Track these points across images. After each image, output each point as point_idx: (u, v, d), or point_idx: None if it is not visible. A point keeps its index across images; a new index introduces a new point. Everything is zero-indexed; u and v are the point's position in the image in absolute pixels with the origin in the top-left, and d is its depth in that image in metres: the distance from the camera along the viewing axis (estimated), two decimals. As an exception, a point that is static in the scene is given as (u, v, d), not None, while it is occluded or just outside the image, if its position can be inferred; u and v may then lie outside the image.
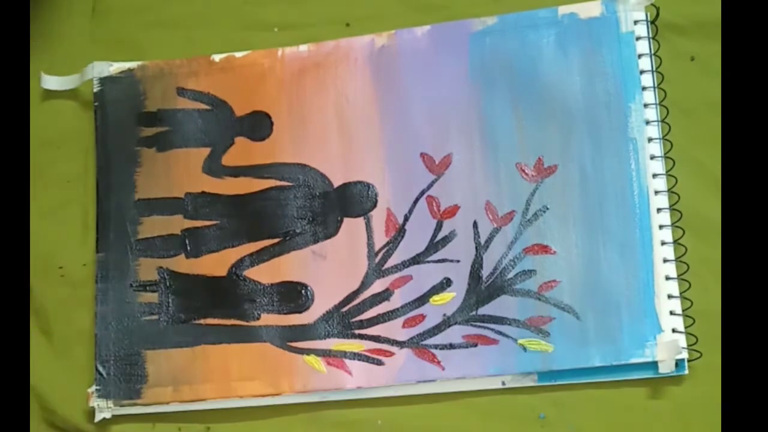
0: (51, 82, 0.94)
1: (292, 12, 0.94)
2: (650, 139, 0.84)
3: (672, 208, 0.83)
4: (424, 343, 0.84)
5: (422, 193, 0.87)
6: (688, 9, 0.87)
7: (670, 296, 0.82)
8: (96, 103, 0.93)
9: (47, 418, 0.89)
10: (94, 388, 0.87)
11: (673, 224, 0.83)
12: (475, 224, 0.86)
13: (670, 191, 0.83)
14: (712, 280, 0.82)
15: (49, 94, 0.95)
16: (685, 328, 0.81)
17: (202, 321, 0.88)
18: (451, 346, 0.84)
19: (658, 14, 0.86)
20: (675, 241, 0.83)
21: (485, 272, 0.85)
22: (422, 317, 0.85)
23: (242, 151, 0.90)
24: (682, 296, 0.82)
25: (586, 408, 0.83)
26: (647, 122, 0.84)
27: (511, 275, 0.84)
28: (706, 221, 0.83)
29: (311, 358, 0.85)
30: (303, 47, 0.91)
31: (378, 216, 0.87)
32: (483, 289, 0.84)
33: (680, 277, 0.82)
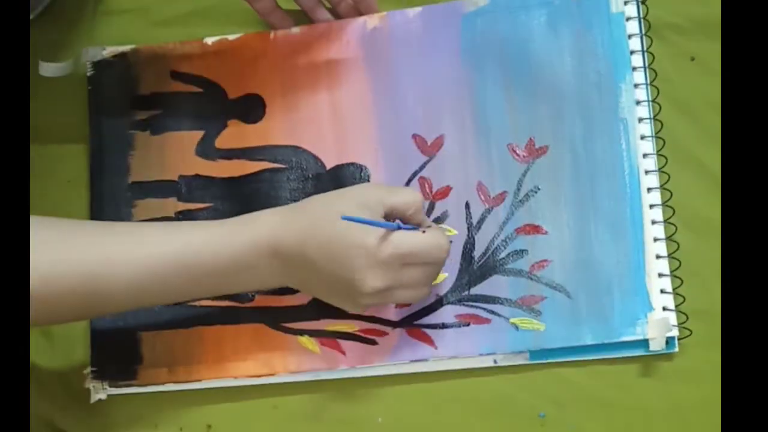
0: (48, 69, 0.94)
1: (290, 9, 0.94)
2: (641, 119, 0.85)
3: (662, 187, 0.84)
4: (417, 323, 0.85)
5: (414, 174, 0.88)
6: (688, 9, 0.88)
7: (660, 275, 0.83)
8: (89, 87, 0.94)
9: (47, 419, 0.90)
10: (89, 369, 0.88)
11: (663, 203, 0.84)
12: (467, 205, 0.86)
13: (660, 171, 0.84)
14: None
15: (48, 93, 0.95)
16: (676, 306, 0.82)
17: (196, 302, 0.88)
18: (444, 326, 0.85)
19: (648, -7, 0.87)
20: (665, 221, 0.83)
21: (477, 252, 0.86)
22: (415, 297, 0.86)
23: (235, 134, 0.91)
24: (673, 275, 0.83)
25: (585, 408, 0.84)
26: (638, 102, 0.85)
27: (503, 255, 0.85)
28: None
29: (305, 339, 0.86)
30: (295, 29, 0.92)
31: (371, 197, 0.88)
32: (475, 269, 0.85)
33: (671, 256, 0.83)
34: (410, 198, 0.77)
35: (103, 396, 0.88)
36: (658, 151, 0.85)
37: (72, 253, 0.73)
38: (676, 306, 0.82)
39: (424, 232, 0.76)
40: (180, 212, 0.90)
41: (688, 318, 0.82)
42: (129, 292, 0.75)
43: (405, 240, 0.74)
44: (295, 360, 0.86)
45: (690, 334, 0.82)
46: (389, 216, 0.77)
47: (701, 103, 0.87)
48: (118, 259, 0.74)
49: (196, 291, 0.78)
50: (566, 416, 0.84)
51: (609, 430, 0.84)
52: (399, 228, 0.74)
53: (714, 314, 0.83)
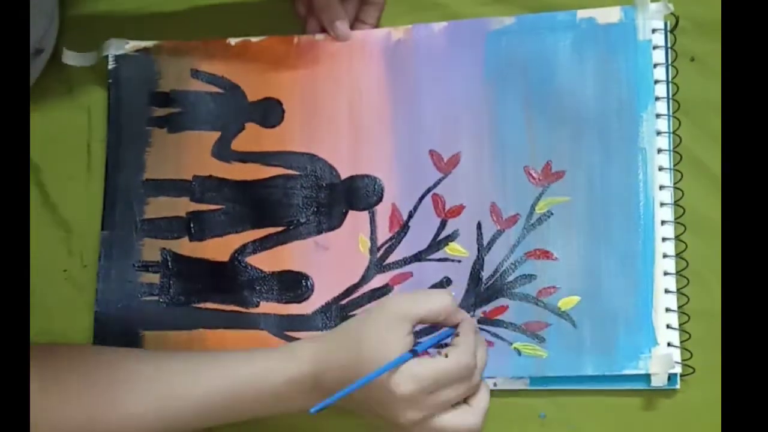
0: (71, 57, 0.96)
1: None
2: (660, 150, 0.86)
3: (677, 221, 0.85)
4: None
5: (428, 190, 0.89)
6: (688, 9, 0.89)
7: (668, 309, 0.84)
8: (110, 80, 0.96)
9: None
10: None
11: (676, 237, 0.85)
12: (479, 225, 0.88)
13: (675, 204, 0.85)
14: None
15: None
16: (681, 342, 0.83)
17: (201, 305, 0.91)
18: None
19: (677, 23, 0.88)
20: (677, 255, 0.84)
21: (485, 274, 0.87)
22: (420, 315, 0.87)
23: (252, 137, 0.93)
24: (680, 311, 0.84)
25: (585, 409, 0.86)
26: (658, 133, 0.86)
27: (511, 278, 0.87)
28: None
29: (307, 349, 0.88)
30: (319, 36, 0.94)
31: (383, 211, 0.90)
32: (482, 290, 0.87)
33: (679, 291, 0.84)
34: (437, 305, 0.76)
35: None
36: (675, 183, 0.85)
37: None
38: (681, 342, 0.83)
39: (446, 355, 0.74)
40: (191, 212, 0.92)
41: (692, 355, 0.83)
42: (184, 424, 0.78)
43: (424, 373, 0.72)
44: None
45: (693, 372, 0.83)
46: (424, 322, 0.77)
47: (702, 104, 0.88)
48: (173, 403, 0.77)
49: (239, 418, 0.79)
50: (567, 417, 0.86)
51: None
52: (416, 354, 0.73)
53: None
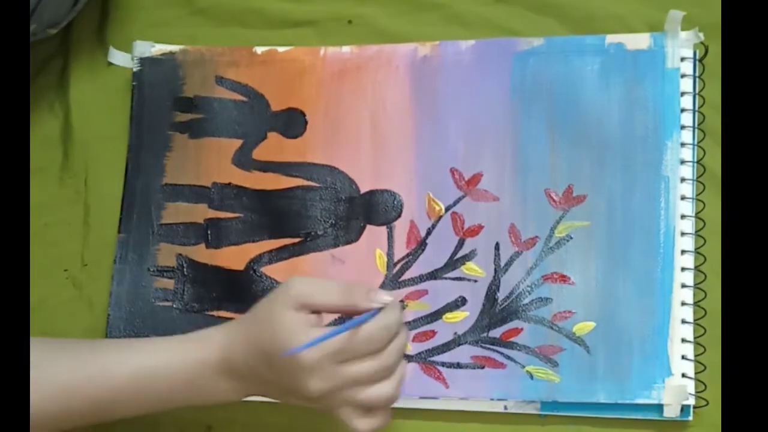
0: (116, 57, 0.99)
1: (293, 7, 0.99)
2: (683, 179, 0.87)
3: (697, 251, 0.86)
4: (431, 359, 0.88)
5: (448, 208, 0.90)
6: (689, 11, 0.89)
7: (683, 340, 0.84)
8: (134, 83, 0.98)
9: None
10: None
11: (696, 268, 0.85)
12: (497, 246, 0.89)
13: (696, 234, 0.86)
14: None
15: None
16: (696, 374, 0.84)
17: (214, 312, 0.92)
18: (459, 366, 0.87)
19: (706, 53, 0.89)
20: (695, 285, 0.85)
21: (501, 295, 0.88)
22: (433, 333, 0.88)
23: (274, 147, 0.95)
24: (696, 342, 0.85)
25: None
26: (682, 161, 0.87)
27: (526, 301, 0.88)
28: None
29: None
30: (346, 48, 0.95)
31: (401, 227, 0.91)
32: (497, 311, 0.88)
33: (696, 323, 0.85)
34: (335, 299, 0.74)
35: None
36: (697, 213, 0.86)
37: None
38: (696, 374, 0.84)
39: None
40: (209, 219, 0.93)
41: (706, 387, 0.84)
42: (92, 410, 0.78)
43: (330, 341, 0.71)
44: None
45: (707, 405, 0.84)
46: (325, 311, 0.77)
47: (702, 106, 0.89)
48: (80, 383, 0.77)
49: (157, 407, 0.79)
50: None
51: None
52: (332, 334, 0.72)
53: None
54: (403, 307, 0.89)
